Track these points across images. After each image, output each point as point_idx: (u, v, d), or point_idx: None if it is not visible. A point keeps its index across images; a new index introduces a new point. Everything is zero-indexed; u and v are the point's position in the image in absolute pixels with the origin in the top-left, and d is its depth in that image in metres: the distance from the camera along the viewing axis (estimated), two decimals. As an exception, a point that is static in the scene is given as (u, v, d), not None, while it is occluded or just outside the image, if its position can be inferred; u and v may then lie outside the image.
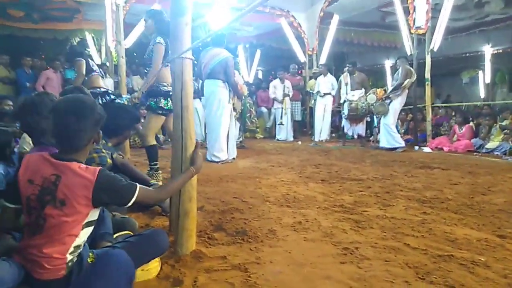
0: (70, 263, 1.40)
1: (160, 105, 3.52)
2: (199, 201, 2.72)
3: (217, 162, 4.95)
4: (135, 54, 11.29)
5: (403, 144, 6.71)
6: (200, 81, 5.93)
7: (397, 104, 6.70)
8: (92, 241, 1.61)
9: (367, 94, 7.19)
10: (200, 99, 6.72)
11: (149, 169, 3.61)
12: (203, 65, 5.06)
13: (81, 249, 1.44)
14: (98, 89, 4.13)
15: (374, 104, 6.92)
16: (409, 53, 7.39)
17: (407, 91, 6.72)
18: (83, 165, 1.43)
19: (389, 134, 6.73)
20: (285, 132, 8.96)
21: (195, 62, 5.70)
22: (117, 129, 2.45)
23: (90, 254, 1.47)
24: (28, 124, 1.98)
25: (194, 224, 1.92)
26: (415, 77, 6.69)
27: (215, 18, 7.73)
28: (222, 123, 5.02)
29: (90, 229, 1.49)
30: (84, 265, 1.42)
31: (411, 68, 6.76)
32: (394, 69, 11.83)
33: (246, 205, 2.80)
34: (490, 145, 6.74)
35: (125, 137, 2.67)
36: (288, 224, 2.37)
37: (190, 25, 1.83)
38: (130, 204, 1.48)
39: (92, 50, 9.32)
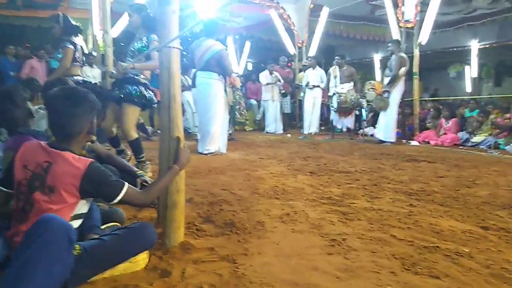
0: None
1: (143, 94, 3.46)
2: (187, 193, 2.70)
3: (207, 154, 4.93)
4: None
5: (393, 140, 6.73)
6: (192, 72, 5.87)
7: (397, 96, 6.62)
8: (79, 233, 1.59)
9: (366, 91, 7.00)
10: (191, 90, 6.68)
11: (136, 162, 3.57)
12: (197, 56, 4.99)
13: None
14: (75, 77, 3.94)
15: (374, 100, 6.78)
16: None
17: (404, 78, 6.62)
18: (76, 156, 1.45)
19: (387, 127, 6.67)
20: (274, 125, 8.97)
21: (184, 53, 5.64)
22: None
23: (77, 246, 1.45)
24: (1, 113, 1.97)
25: (182, 215, 1.91)
26: (409, 63, 6.60)
27: (203, 8, 7.64)
28: (216, 116, 4.98)
29: (78, 222, 1.49)
30: (70, 257, 1.39)
31: (403, 54, 6.62)
32: (384, 61, 11.92)
33: (235, 197, 2.80)
34: (476, 139, 6.86)
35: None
36: (277, 216, 2.38)
37: (177, 13, 1.80)
38: (115, 201, 1.50)
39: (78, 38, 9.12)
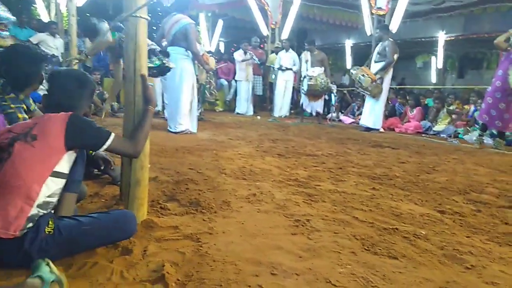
0: (30, 223, 1.29)
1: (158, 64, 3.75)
2: (153, 171, 2.65)
3: (176, 133, 4.84)
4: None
5: (380, 127, 6.77)
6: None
7: (387, 83, 6.61)
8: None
9: (359, 78, 6.57)
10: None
11: None
12: (166, 31, 4.83)
13: (45, 211, 1.35)
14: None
15: (370, 87, 6.51)
16: (368, 34, 7.52)
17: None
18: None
19: (376, 115, 6.66)
20: (245, 106, 8.92)
21: (154, 28, 5.45)
22: (25, 78, 2.07)
23: (50, 223, 1.35)
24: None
25: (146, 193, 1.86)
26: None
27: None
28: (184, 93, 4.85)
29: (58, 182, 1.40)
30: (40, 234, 1.31)
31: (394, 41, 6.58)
32: (355, 48, 12.01)
33: (201, 176, 2.77)
34: (438, 127, 7.14)
35: (37, 86, 2.22)
36: (243, 196, 2.37)
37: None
38: (104, 148, 1.49)
39: (39, 6, 8.58)
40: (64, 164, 1.42)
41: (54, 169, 1.37)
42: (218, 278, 1.38)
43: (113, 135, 1.51)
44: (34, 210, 1.31)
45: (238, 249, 1.63)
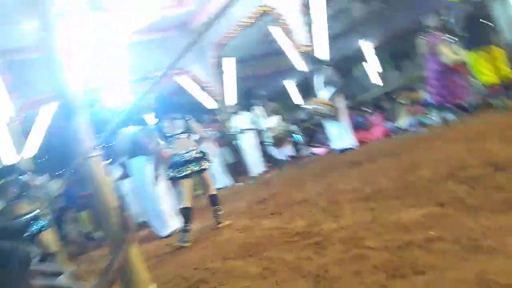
0: None
1: (171, 174, 4.03)
2: (158, 287, 2.54)
3: (168, 235, 4.75)
4: (46, 157, 10.52)
5: (356, 143, 6.93)
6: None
7: (343, 102, 6.91)
8: None
9: (317, 108, 6.89)
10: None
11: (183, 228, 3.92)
12: (121, 146, 5.00)
13: None
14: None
15: (330, 111, 6.77)
16: (308, 70, 7.81)
17: None
18: None
19: (347, 134, 6.85)
20: (222, 180, 8.86)
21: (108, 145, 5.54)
22: None
23: None
24: None
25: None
26: None
27: (112, 98, 7.63)
28: (159, 195, 4.87)
29: None
30: None
31: None
32: (301, 85, 12.49)
33: (209, 272, 2.67)
34: (400, 124, 7.39)
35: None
36: (256, 274, 2.31)
37: (88, 120, 1.77)
38: None
39: None
40: None
41: None
42: None
43: None
44: None
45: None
